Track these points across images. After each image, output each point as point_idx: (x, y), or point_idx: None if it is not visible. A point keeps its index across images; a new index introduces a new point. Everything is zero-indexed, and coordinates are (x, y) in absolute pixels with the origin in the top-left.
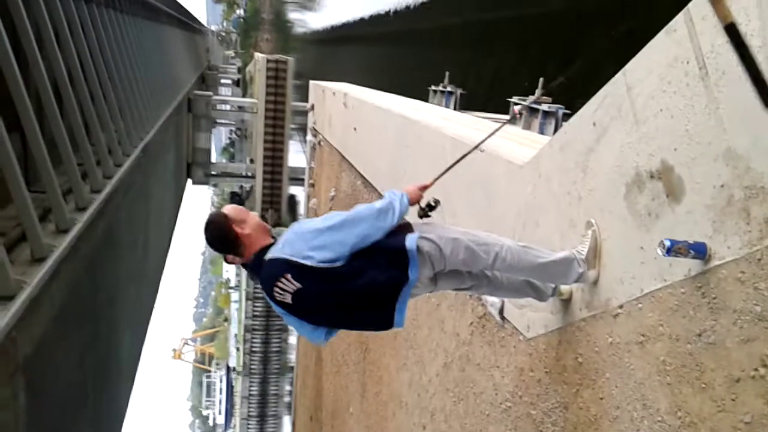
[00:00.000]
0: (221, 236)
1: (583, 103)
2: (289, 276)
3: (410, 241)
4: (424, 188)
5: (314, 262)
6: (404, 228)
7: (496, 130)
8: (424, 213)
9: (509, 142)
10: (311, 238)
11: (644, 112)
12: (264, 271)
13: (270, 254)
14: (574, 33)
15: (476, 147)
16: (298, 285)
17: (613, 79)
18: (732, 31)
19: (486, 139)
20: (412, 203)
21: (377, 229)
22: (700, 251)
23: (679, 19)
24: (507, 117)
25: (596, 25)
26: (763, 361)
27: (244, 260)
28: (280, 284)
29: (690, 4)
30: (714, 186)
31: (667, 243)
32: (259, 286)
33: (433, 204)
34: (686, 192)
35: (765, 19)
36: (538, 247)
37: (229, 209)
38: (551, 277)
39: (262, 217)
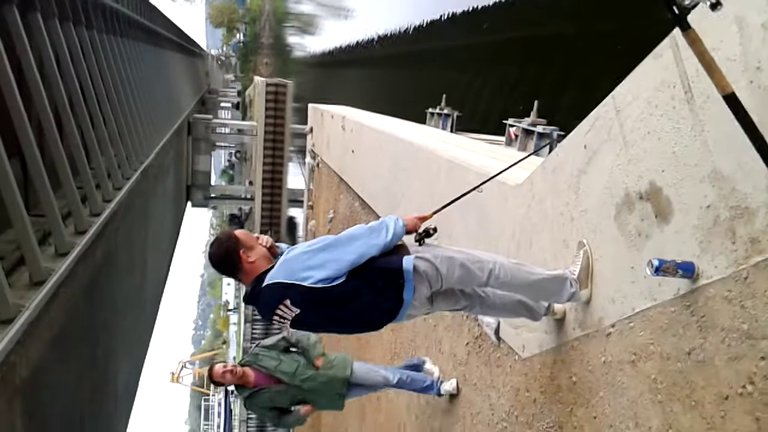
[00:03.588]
0: (226, 258)
1: (576, 125)
2: (287, 302)
3: (407, 262)
4: (423, 219)
5: (312, 282)
6: (401, 249)
7: (505, 169)
8: (421, 239)
9: (504, 163)
10: (307, 258)
11: (633, 134)
12: (262, 298)
13: (267, 280)
14: (570, 56)
15: (480, 186)
16: (297, 311)
17: (602, 103)
18: (731, 101)
19: (495, 175)
20: (408, 231)
21: (371, 246)
22: (688, 270)
23: (665, 44)
24: (503, 138)
25: (590, 49)
26: (750, 378)
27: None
28: (279, 311)
29: (675, 30)
30: (701, 206)
31: (656, 262)
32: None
33: (431, 232)
34: (674, 212)
35: (746, 44)
36: (531, 265)
37: (241, 234)
38: (544, 295)
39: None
